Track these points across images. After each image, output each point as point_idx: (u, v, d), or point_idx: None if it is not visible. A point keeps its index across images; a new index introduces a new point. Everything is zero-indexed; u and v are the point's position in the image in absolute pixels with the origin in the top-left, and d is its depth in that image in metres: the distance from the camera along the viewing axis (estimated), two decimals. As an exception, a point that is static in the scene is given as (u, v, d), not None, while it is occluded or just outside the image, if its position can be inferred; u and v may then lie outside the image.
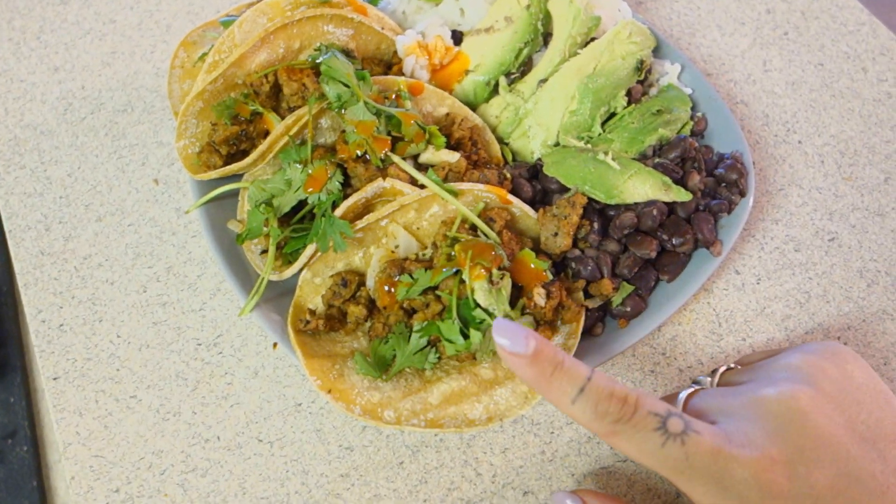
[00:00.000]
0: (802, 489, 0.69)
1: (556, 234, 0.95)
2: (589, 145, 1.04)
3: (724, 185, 1.01)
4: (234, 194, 1.05)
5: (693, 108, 1.10)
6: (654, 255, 0.96)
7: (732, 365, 0.88)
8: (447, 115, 1.07)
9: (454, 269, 0.89)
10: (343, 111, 0.96)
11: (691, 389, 0.83)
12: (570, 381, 0.72)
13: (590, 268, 0.95)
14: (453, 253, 0.90)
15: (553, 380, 0.72)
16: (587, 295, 0.96)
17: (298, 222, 0.98)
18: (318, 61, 0.99)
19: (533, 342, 0.72)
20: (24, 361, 1.07)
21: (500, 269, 0.90)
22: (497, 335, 0.74)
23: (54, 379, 0.99)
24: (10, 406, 1.06)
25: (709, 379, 0.87)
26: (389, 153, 0.96)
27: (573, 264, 0.96)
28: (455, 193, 0.94)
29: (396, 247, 0.95)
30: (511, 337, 0.73)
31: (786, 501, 0.69)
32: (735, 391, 0.78)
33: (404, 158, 0.98)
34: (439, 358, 0.91)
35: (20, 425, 1.04)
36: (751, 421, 0.72)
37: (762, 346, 1.00)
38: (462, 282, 0.89)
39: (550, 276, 0.93)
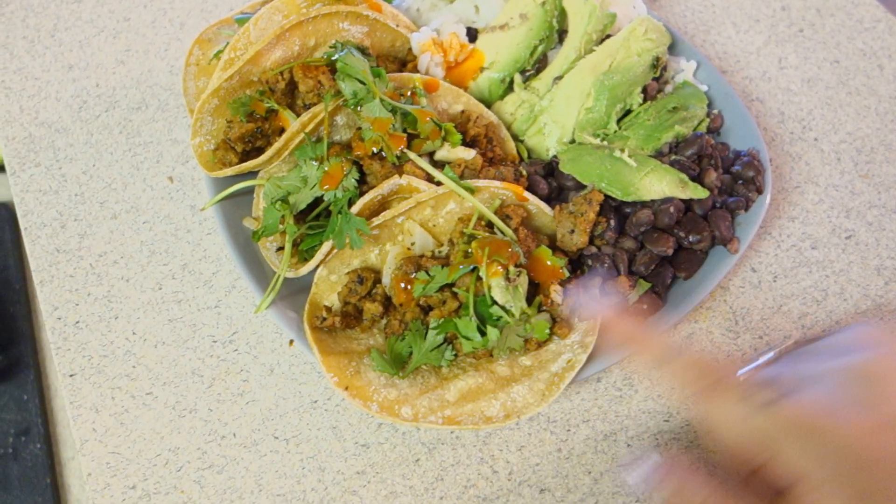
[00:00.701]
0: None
1: (572, 232, 0.95)
2: (605, 142, 1.04)
3: (740, 182, 1.01)
4: (250, 192, 1.05)
5: (709, 106, 1.10)
6: (670, 252, 0.96)
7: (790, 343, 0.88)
8: (462, 112, 1.07)
9: (471, 267, 0.89)
10: (359, 108, 0.96)
11: (764, 359, 0.84)
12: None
13: (606, 265, 0.95)
14: (470, 250, 0.90)
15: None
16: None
17: (314, 219, 0.98)
18: (334, 58, 0.99)
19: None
20: (37, 359, 1.08)
21: (516, 266, 0.90)
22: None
23: (70, 376, 1.00)
24: (24, 404, 1.06)
25: (772, 353, 0.86)
26: (405, 150, 0.96)
27: (590, 261, 0.96)
28: (471, 190, 0.93)
29: (413, 244, 0.95)
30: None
31: (879, 467, 0.68)
32: (812, 360, 0.78)
33: (420, 155, 0.98)
34: (456, 355, 0.91)
35: (34, 423, 1.05)
36: (835, 388, 0.72)
37: (779, 345, 1.00)
38: (479, 279, 0.89)
39: (567, 274, 0.92)
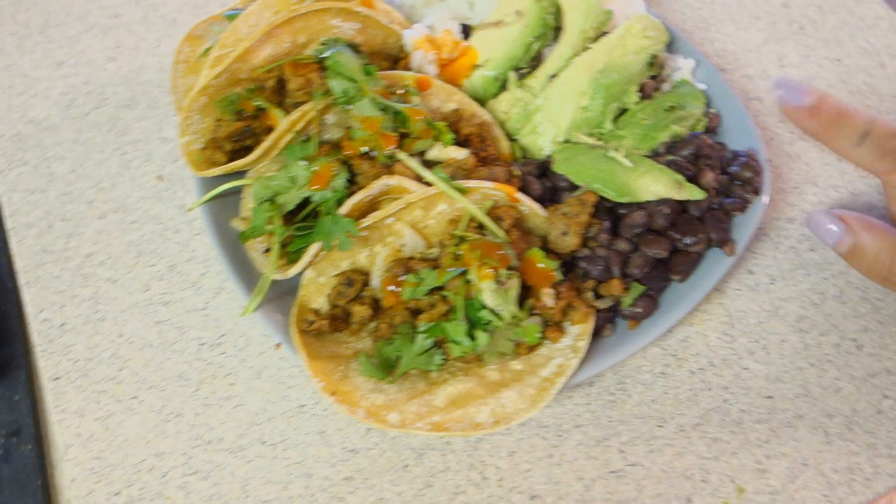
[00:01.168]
0: None
1: (565, 233, 0.93)
2: (600, 142, 1.02)
3: (738, 183, 0.99)
4: (238, 192, 1.03)
5: (707, 105, 1.07)
6: (665, 254, 0.94)
7: None
8: (455, 110, 1.05)
9: (461, 269, 0.88)
10: (349, 107, 0.94)
11: None
12: (852, 128, 0.81)
13: (600, 267, 0.93)
14: (460, 252, 0.88)
15: (835, 128, 0.81)
16: (597, 295, 0.94)
17: (303, 220, 0.96)
18: (324, 56, 0.97)
19: (810, 96, 0.81)
20: (28, 359, 1.06)
21: (508, 268, 0.88)
22: (778, 89, 0.83)
23: (55, 379, 0.98)
24: (15, 404, 1.04)
25: None
26: (396, 150, 0.94)
27: (583, 264, 0.94)
28: (462, 191, 0.92)
29: (402, 245, 0.93)
30: (788, 90, 0.82)
31: None
32: None
33: (411, 155, 0.96)
34: (445, 359, 0.90)
35: (25, 423, 1.03)
36: None
37: (776, 348, 0.98)
38: (469, 282, 0.87)
39: (560, 276, 0.90)
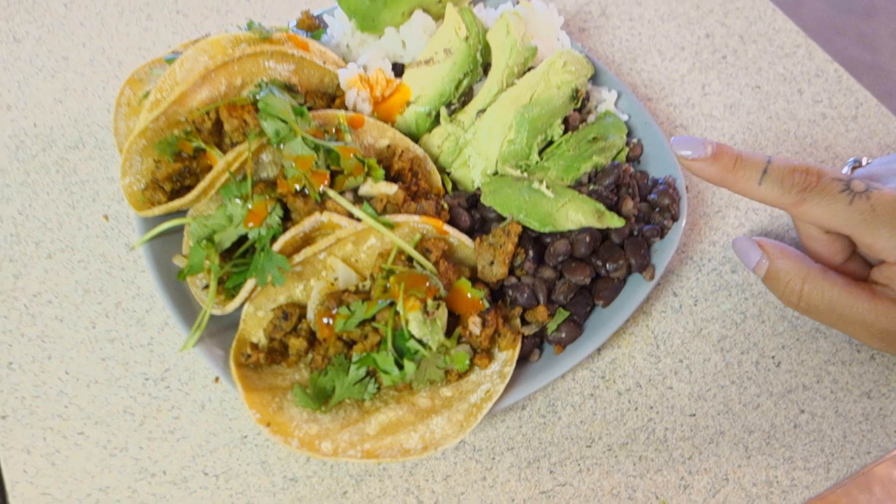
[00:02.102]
0: None
1: (492, 263, 0.97)
2: (525, 174, 1.06)
3: (657, 210, 1.03)
4: (181, 229, 1.06)
5: (629, 134, 1.12)
6: (588, 281, 0.98)
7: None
8: (388, 146, 1.09)
9: (389, 301, 0.91)
10: (281, 147, 0.98)
11: (850, 166, 0.99)
12: (752, 168, 0.87)
13: (526, 295, 0.97)
14: (389, 285, 0.92)
15: (737, 171, 0.88)
16: (524, 322, 0.98)
17: (241, 257, 0.99)
18: (257, 98, 1.01)
19: (710, 146, 0.88)
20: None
21: (435, 299, 0.92)
22: (678, 149, 0.90)
23: (2, 418, 1.00)
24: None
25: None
26: (327, 187, 0.98)
27: (510, 292, 0.98)
28: (391, 226, 0.95)
29: (336, 279, 0.97)
30: (691, 147, 0.89)
31: None
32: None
33: (343, 192, 1.00)
34: (378, 388, 0.93)
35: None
36: None
37: (699, 368, 1.02)
38: (397, 313, 0.91)
39: (487, 305, 0.94)
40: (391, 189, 1.00)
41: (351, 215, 0.97)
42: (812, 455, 0.96)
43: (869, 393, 1.00)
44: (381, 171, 1.01)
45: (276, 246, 0.94)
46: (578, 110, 1.13)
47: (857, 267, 0.95)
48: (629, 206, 1.02)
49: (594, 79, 1.18)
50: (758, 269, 0.95)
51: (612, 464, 0.96)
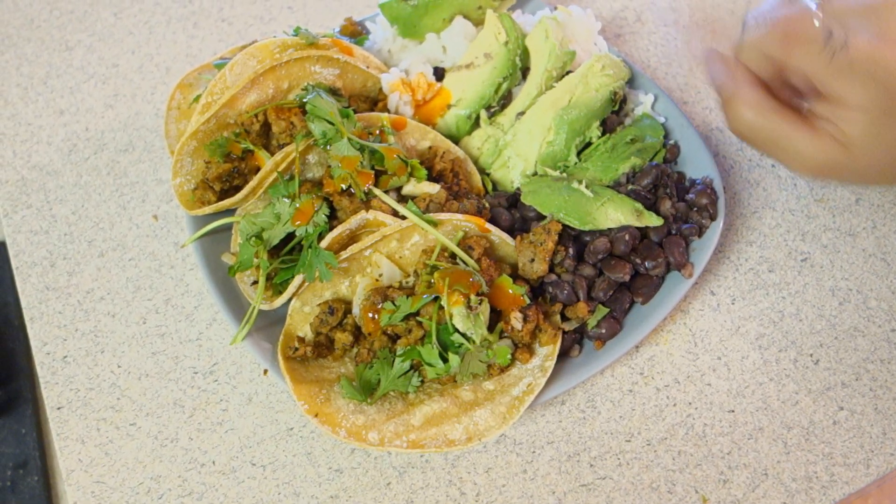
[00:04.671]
0: None
1: (532, 260, 0.99)
2: (564, 174, 1.09)
3: (695, 209, 1.05)
4: (229, 228, 1.10)
5: (666, 136, 1.14)
6: (627, 278, 1.00)
7: None
8: (430, 148, 1.12)
9: (434, 296, 0.94)
10: (328, 147, 1.01)
11: None
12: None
13: (566, 292, 0.99)
14: (433, 280, 0.94)
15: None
16: (564, 318, 1.00)
17: (288, 254, 1.03)
18: (304, 100, 1.04)
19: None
20: (35, 393, 1.12)
21: (478, 294, 0.94)
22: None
23: (58, 409, 1.04)
24: (22, 437, 1.10)
25: None
26: (372, 187, 1.01)
27: (550, 289, 1.00)
28: (434, 223, 0.98)
29: (380, 275, 1.00)
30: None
31: None
32: None
33: (388, 191, 1.03)
34: (422, 381, 0.95)
35: (31, 456, 1.09)
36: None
37: (737, 365, 1.03)
38: (441, 308, 0.93)
39: (528, 301, 0.97)
40: (434, 188, 1.03)
41: (396, 213, 1.00)
42: (851, 451, 0.97)
43: (908, 391, 1.01)
44: (424, 172, 1.04)
45: (324, 243, 0.97)
46: (616, 113, 1.15)
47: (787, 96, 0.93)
48: (667, 205, 1.03)
49: (631, 82, 1.20)
50: (723, 90, 0.93)
51: (651, 458, 0.98)
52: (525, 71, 1.17)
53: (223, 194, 1.09)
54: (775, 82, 0.91)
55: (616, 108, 1.14)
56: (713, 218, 1.05)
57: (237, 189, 1.09)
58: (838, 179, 0.92)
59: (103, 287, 1.14)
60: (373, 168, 1.02)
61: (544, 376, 0.95)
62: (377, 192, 1.00)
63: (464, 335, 0.92)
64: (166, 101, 1.18)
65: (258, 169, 1.08)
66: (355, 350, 1.00)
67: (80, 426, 1.03)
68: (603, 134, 1.13)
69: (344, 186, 1.01)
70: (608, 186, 1.07)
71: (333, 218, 1.02)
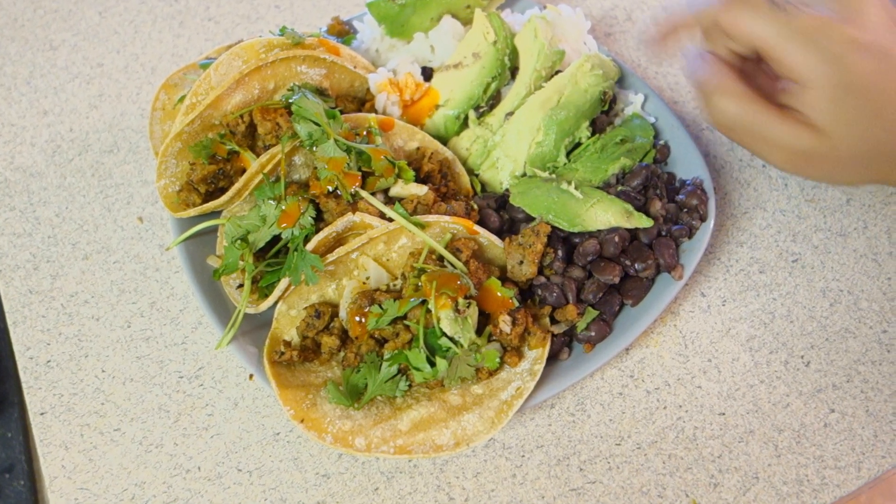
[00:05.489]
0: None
1: (521, 263, 0.98)
2: (554, 175, 1.07)
3: (685, 210, 1.04)
4: (214, 231, 1.08)
5: (656, 137, 1.13)
6: (617, 280, 0.99)
7: None
8: (418, 149, 1.10)
9: (421, 299, 0.92)
10: (314, 149, 1.00)
11: None
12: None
13: (555, 294, 0.98)
14: (420, 283, 0.93)
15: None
16: (553, 321, 0.99)
17: (273, 257, 1.01)
18: (290, 101, 1.03)
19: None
20: (21, 397, 1.10)
21: (466, 297, 0.93)
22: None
23: (41, 414, 1.03)
24: (8, 441, 1.09)
25: None
26: (359, 188, 0.99)
27: (539, 291, 0.99)
28: (422, 225, 0.97)
29: (367, 278, 0.98)
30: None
31: (870, 49, 0.82)
32: None
33: (375, 193, 1.01)
34: (410, 385, 0.94)
35: (17, 460, 1.07)
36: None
37: (727, 367, 1.03)
38: (429, 311, 0.92)
39: (516, 304, 0.96)
40: (421, 190, 1.02)
41: (383, 215, 0.99)
42: (843, 454, 0.96)
43: (899, 393, 1.01)
44: (412, 173, 1.03)
45: (310, 246, 0.96)
46: (606, 113, 1.14)
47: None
48: (657, 206, 1.02)
49: (621, 82, 1.19)
50: (702, 84, 0.93)
51: (641, 462, 0.97)
52: (514, 70, 1.16)
53: (208, 196, 1.08)
54: (748, 68, 0.93)
55: (606, 108, 1.13)
56: (703, 219, 1.04)
57: (222, 191, 1.08)
58: (820, 173, 0.92)
59: (87, 290, 1.13)
60: (360, 169, 1.01)
61: (533, 380, 0.94)
62: (364, 193, 0.99)
63: (452, 339, 0.91)
64: (151, 101, 1.17)
65: (244, 170, 1.07)
66: (342, 354, 0.98)
67: (63, 432, 1.01)
68: (592, 134, 1.12)
69: (330, 188, 0.99)
70: (598, 187, 1.06)
71: (320, 220, 1.01)
